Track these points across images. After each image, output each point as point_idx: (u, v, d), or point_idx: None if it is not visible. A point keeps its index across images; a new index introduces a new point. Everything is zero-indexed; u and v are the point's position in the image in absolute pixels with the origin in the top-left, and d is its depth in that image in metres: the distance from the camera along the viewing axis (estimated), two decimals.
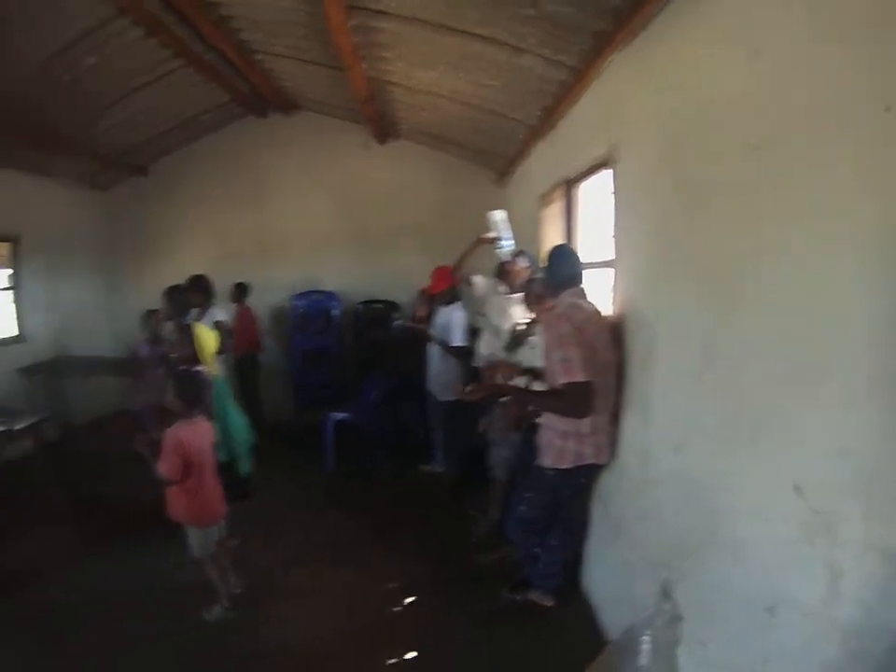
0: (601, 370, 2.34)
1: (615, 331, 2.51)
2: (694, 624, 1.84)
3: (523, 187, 5.00)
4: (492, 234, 3.76)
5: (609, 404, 2.47)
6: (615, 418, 2.53)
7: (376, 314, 6.28)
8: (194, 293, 4.06)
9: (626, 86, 2.49)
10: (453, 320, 4.23)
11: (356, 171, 6.52)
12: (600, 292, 2.85)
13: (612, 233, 2.73)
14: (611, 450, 2.55)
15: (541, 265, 2.88)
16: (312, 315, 6.29)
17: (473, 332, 4.18)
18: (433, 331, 4.35)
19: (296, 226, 6.62)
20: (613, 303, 2.67)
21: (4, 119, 4.34)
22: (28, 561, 3.37)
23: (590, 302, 2.51)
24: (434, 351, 4.37)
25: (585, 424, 2.39)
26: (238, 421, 3.97)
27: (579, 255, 2.67)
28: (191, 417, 2.76)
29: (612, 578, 2.70)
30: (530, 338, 3.12)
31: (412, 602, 3.04)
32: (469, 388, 2.81)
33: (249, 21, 3.98)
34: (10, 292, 5.56)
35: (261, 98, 5.87)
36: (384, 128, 5.96)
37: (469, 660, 2.59)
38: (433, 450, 4.74)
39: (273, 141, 6.47)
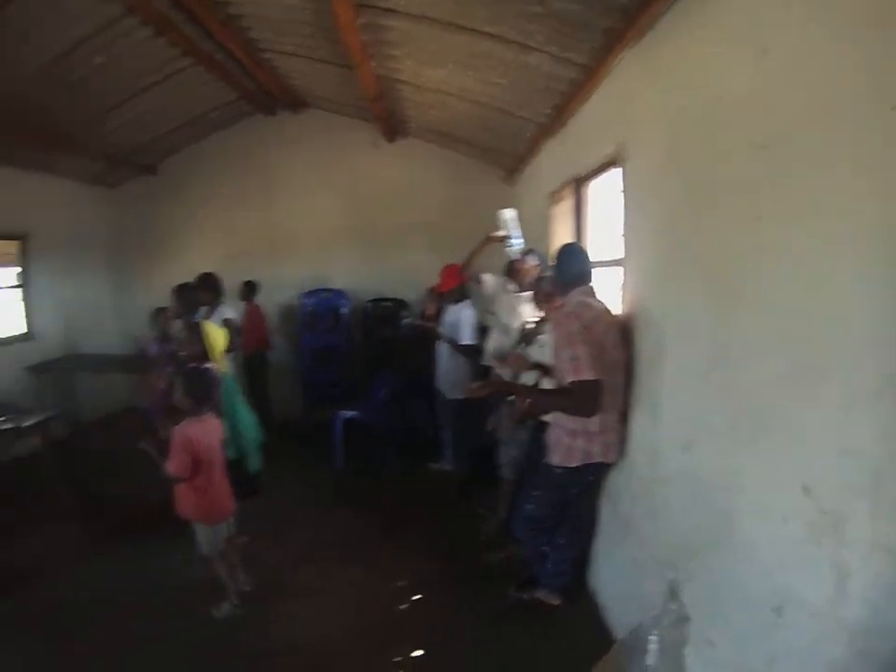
0: (610, 368, 2.34)
1: (624, 330, 2.50)
2: (702, 624, 1.84)
3: (532, 185, 4.98)
4: (501, 232, 3.75)
5: (618, 403, 2.47)
6: (624, 417, 2.53)
7: (385, 312, 6.27)
8: (203, 291, 4.08)
9: (635, 84, 2.48)
10: (462, 318, 4.21)
11: (364, 169, 6.49)
12: (610, 291, 2.84)
13: (622, 232, 2.73)
14: (620, 448, 2.55)
15: (551, 263, 2.87)
16: (321, 313, 6.29)
17: (482, 330, 4.17)
18: (442, 329, 4.34)
19: (305, 224, 6.60)
20: (622, 302, 2.67)
21: (11, 119, 4.37)
22: (36, 559, 3.39)
23: (599, 301, 2.50)
24: (443, 349, 4.37)
25: (594, 422, 2.38)
26: (247, 418, 3.98)
27: (588, 253, 2.67)
28: (200, 415, 2.79)
29: (620, 577, 2.70)
30: (539, 336, 3.10)
31: (420, 600, 3.05)
32: (475, 385, 2.81)
33: (257, 19, 3.98)
34: (19, 290, 5.61)
35: (270, 96, 5.86)
36: (392, 126, 5.95)
37: (477, 658, 2.60)
38: (442, 448, 4.75)
39: (282, 139, 6.45)
